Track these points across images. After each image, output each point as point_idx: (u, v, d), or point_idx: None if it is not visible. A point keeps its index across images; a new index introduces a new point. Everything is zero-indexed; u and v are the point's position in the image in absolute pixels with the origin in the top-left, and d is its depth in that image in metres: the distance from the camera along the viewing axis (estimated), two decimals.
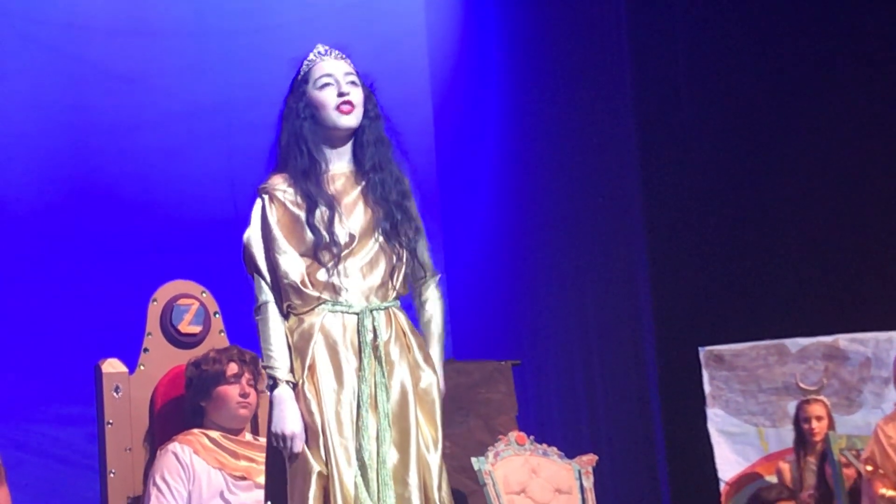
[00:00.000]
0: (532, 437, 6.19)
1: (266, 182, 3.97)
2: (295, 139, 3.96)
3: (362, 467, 3.80)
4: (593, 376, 8.26)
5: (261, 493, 4.76)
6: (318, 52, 4.03)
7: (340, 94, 3.95)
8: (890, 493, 6.28)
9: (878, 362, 7.72)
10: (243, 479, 4.91)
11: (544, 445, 6.20)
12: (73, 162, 8.09)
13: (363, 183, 3.99)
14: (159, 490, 4.85)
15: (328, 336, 3.87)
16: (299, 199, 3.92)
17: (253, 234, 3.94)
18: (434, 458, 3.87)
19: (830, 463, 6.60)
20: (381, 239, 3.96)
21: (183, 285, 5.33)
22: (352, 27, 8.36)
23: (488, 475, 5.92)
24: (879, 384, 7.73)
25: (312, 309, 3.88)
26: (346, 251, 3.91)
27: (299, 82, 4.01)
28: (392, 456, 3.82)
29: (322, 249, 3.90)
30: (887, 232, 8.04)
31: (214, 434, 4.98)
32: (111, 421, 5.05)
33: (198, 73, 8.40)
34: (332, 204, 3.92)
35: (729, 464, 7.70)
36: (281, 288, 3.88)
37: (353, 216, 3.95)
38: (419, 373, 3.92)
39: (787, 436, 7.46)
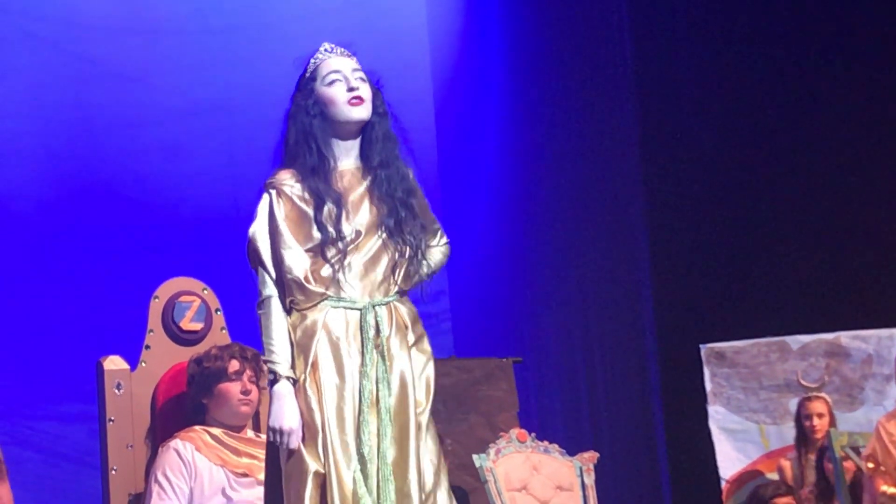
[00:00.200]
0: (533, 434, 6.19)
1: (273, 177, 3.97)
2: (304, 136, 3.97)
3: (362, 462, 3.81)
4: (595, 374, 8.26)
5: (262, 490, 4.77)
6: (325, 50, 4.04)
7: (350, 89, 3.96)
8: (891, 490, 6.29)
9: (880, 359, 7.72)
10: (245, 475, 4.91)
11: (545, 442, 6.20)
12: (75, 159, 8.10)
13: (369, 179, 4.00)
14: (161, 487, 4.85)
15: (331, 332, 3.87)
16: (307, 196, 3.92)
17: (259, 229, 3.94)
18: (430, 444, 3.88)
19: (832, 460, 6.60)
20: (384, 235, 3.97)
21: (184, 282, 5.33)
22: (353, 24, 8.37)
23: (489, 472, 5.92)
24: (881, 381, 7.73)
25: (315, 305, 3.88)
26: (351, 247, 3.92)
27: (307, 80, 4.02)
28: (392, 451, 3.82)
29: (328, 246, 3.90)
30: (888, 229, 8.04)
31: (216, 431, 4.98)
32: (113, 418, 5.05)
33: (199, 71, 8.41)
34: (340, 201, 3.93)
35: (730, 461, 7.71)
36: (284, 283, 3.88)
37: (360, 213, 3.96)
38: (418, 357, 3.94)
39: (789, 433, 7.46)
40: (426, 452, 3.88)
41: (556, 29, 8.55)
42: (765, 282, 8.07)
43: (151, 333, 5.22)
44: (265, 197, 3.96)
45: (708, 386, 7.81)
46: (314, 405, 3.81)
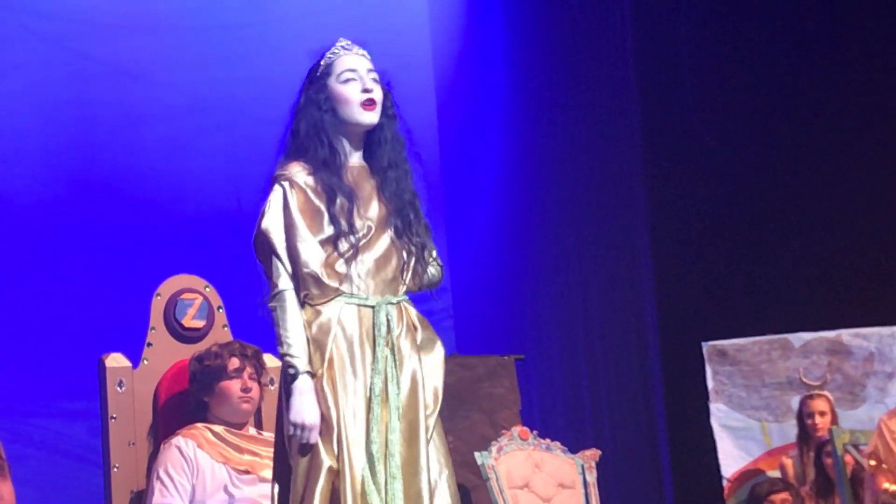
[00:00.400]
0: (535, 432, 6.19)
1: (283, 169, 3.94)
2: (315, 130, 3.95)
3: (370, 459, 3.80)
4: (597, 371, 8.26)
5: (264, 487, 4.77)
6: (342, 46, 4.03)
7: (365, 91, 3.96)
8: (893, 487, 6.28)
9: (882, 357, 7.73)
10: (247, 472, 4.91)
11: (547, 440, 6.20)
12: (77, 157, 8.09)
13: (377, 178, 4.00)
14: (163, 484, 4.85)
15: (345, 329, 3.87)
16: (319, 189, 3.91)
17: (273, 221, 3.89)
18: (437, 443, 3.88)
19: (833, 458, 6.60)
20: (392, 235, 3.97)
21: (186, 280, 5.33)
22: (355, 21, 8.36)
23: (491, 470, 5.92)
24: (883, 379, 7.74)
25: (330, 300, 3.87)
26: (364, 242, 3.91)
27: (321, 75, 4.00)
28: (401, 449, 3.82)
29: (341, 240, 3.89)
30: (890, 227, 8.04)
31: (218, 428, 4.98)
32: (115, 415, 5.05)
33: (201, 67, 8.40)
34: (352, 196, 3.92)
35: (732, 458, 7.71)
36: (299, 277, 3.86)
37: (370, 209, 3.96)
38: (427, 353, 3.94)
39: (790, 431, 7.46)
40: (433, 451, 3.89)
41: (559, 25, 8.55)
42: (766, 280, 8.08)
43: (153, 331, 5.22)
44: (277, 189, 3.92)
45: (710, 383, 7.81)
46: (330, 402, 3.81)
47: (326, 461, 3.77)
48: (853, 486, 6.51)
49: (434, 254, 4.12)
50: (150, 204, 8.12)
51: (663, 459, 7.98)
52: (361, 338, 3.88)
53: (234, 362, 5.00)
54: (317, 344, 3.84)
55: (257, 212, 3.96)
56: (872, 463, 6.38)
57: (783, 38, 8.25)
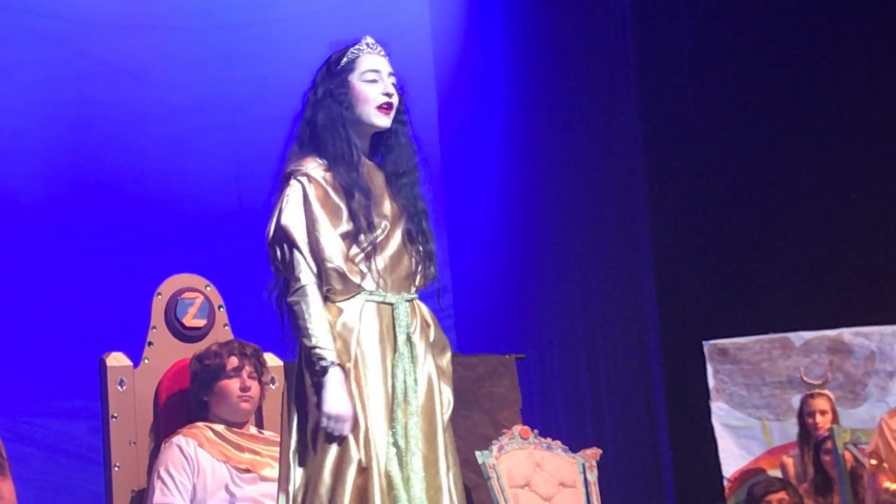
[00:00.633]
0: (536, 431, 6.19)
1: (298, 165, 3.91)
2: (333, 124, 3.93)
3: (397, 455, 3.81)
4: (597, 370, 8.26)
5: (265, 486, 4.78)
6: (367, 44, 4.01)
7: (386, 94, 3.96)
8: (894, 486, 6.28)
9: (883, 356, 7.73)
10: (248, 471, 4.91)
11: (548, 439, 6.20)
12: (78, 156, 8.09)
13: (389, 181, 4.01)
14: (164, 483, 4.85)
15: (369, 326, 3.87)
16: (337, 184, 3.89)
17: (293, 215, 3.85)
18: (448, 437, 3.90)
19: (834, 457, 6.60)
20: (405, 236, 3.97)
21: (187, 279, 5.32)
22: (356, 21, 8.36)
23: (492, 469, 5.92)
24: (884, 378, 7.74)
25: (352, 297, 3.87)
26: (381, 239, 3.91)
27: (342, 69, 3.98)
28: (422, 445, 3.83)
29: (359, 236, 3.89)
30: (891, 226, 8.05)
31: (219, 427, 4.98)
32: (116, 415, 5.05)
33: (202, 67, 8.40)
34: (369, 192, 3.92)
35: (733, 457, 7.71)
36: (322, 271, 3.83)
37: (384, 207, 3.97)
38: (440, 350, 3.98)
39: (791, 430, 7.46)
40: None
41: (560, 25, 8.55)
42: (767, 278, 8.08)
43: (154, 330, 5.22)
44: (295, 184, 3.88)
45: (711, 382, 7.82)
46: (357, 399, 3.80)
47: (356, 455, 3.77)
48: (851, 483, 6.51)
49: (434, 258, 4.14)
50: (150, 203, 8.12)
51: (664, 458, 7.98)
52: (382, 335, 3.88)
53: (233, 361, 4.99)
54: (342, 341, 3.83)
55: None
56: (873, 462, 6.37)
57: (783, 38, 8.26)
